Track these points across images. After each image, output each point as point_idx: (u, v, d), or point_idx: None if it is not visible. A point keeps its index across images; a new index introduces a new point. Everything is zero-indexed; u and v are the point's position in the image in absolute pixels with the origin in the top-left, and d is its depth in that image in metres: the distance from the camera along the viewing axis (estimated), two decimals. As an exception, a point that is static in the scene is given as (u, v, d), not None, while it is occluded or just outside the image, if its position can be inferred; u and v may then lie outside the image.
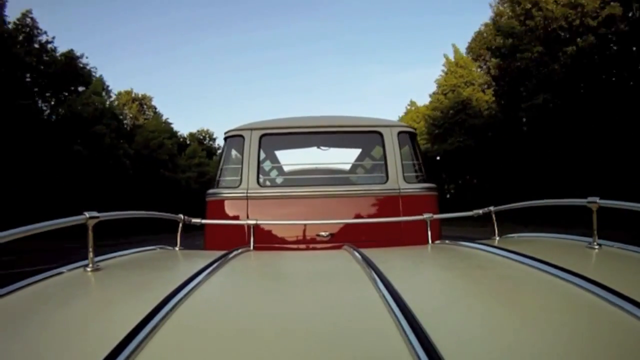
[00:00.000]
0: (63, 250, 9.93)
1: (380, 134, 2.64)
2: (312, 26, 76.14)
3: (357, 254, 1.27)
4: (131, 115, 36.10)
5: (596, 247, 1.23)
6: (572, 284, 0.87)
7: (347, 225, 2.45)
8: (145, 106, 39.62)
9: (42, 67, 22.52)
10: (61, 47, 23.99)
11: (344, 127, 2.82)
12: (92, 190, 21.04)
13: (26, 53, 21.15)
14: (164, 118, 37.62)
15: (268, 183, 2.97)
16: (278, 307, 0.89)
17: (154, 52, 67.18)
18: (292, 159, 3.55)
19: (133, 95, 38.32)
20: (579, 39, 18.68)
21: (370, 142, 3.03)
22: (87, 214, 1.12)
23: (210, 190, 2.66)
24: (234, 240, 2.12)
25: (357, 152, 3.42)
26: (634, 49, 17.92)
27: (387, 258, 1.39)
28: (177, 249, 1.83)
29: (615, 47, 18.52)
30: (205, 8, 70.58)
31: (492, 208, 1.91)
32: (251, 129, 2.65)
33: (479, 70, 29.28)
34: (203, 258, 1.46)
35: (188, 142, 43.33)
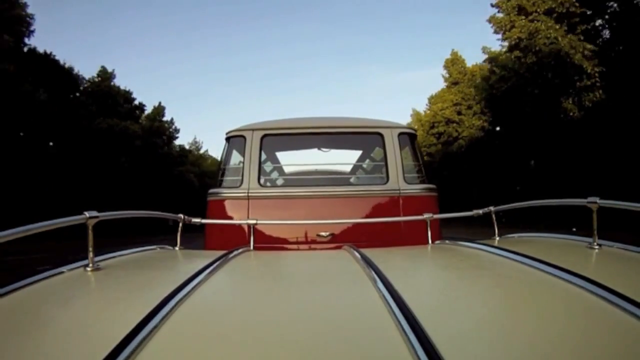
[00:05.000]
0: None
1: (381, 135, 2.64)
2: (310, 27, 76.22)
3: (357, 254, 1.27)
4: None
5: (596, 247, 1.23)
6: (572, 284, 0.87)
7: (347, 225, 2.45)
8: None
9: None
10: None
11: (345, 128, 2.82)
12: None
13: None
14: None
15: (269, 183, 2.97)
16: (278, 307, 0.89)
17: (151, 51, 66.93)
18: (293, 159, 3.55)
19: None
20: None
21: (371, 143, 3.03)
22: (87, 214, 1.12)
23: (212, 190, 2.66)
24: (234, 240, 2.12)
25: (357, 153, 3.43)
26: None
27: (387, 258, 1.39)
28: (177, 248, 1.83)
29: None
30: (202, 9, 70.67)
31: (492, 208, 1.91)
32: (252, 130, 2.65)
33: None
34: (203, 258, 1.46)
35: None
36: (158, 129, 32.59)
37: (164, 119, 34.56)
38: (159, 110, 34.16)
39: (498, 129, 25.71)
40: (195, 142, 45.37)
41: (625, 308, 0.74)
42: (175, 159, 33.18)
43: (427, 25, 67.63)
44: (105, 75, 29.89)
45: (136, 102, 32.26)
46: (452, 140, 32.34)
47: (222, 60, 73.62)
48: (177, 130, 35.82)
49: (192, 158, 40.48)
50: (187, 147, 41.87)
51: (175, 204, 27.10)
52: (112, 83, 30.00)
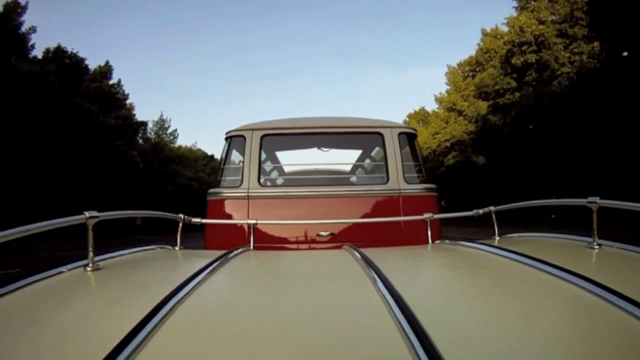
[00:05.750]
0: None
1: (381, 135, 2.65)
2: (309, 27, 76.16)
3: (357, 253, 1.27)
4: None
5: (596, 247, 1.23)
6: (572, 284, 0.87)
7: (347, 225, 2.45)
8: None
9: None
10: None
11: (345, 127, 2.82)
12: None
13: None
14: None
15: (269, 183, 2.98)
16: (278, 306, 0.89)
17: (146, 52, 66.52)
18: (293, 159, 3.55)
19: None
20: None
21: (371, 143, 3.04)
22: (87, 214, 1.12)
23: (212, 190, 2.66)
24: (234, 239, 2.12)
25: (357, 152, 3.43)
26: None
27: (387, 258, 1.39)
28: (177, 248, 1.83)
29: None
30: (201, 7, 70.60)
31: (492, 208, 1.91)
32: (252, 129, 2.66)
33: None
34: (203, 258, 1.47)
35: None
36: (95, 91, 23.97)
37: (112, 82, 26.72)
38: (105, 70, 26.28)
39: (626, 54, 15.35)
40: (162, 120, 36.42)
41: (625, 308, 0.74)
42: (114, 130, 24.09)
43: (427, 24, 67.65)
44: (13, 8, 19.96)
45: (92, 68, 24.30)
46: (546, 79, 19.25)
47: (221, 59, 73.58)
48: (125, 96, 27.84)
49: (154, 140, 32.50)
50: (150, 124, 32.53)
51: (98, 186, 21.48)
52: (20, 19, 20.25)
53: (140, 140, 30.47)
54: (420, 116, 34.75)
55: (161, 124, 36.83)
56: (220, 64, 73.95)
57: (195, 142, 57.43)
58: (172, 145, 36.63)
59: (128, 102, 28.47)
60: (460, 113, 26.76)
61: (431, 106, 33.88)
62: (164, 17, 68.11)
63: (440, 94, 29.46)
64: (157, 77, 68.33)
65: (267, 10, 74.93)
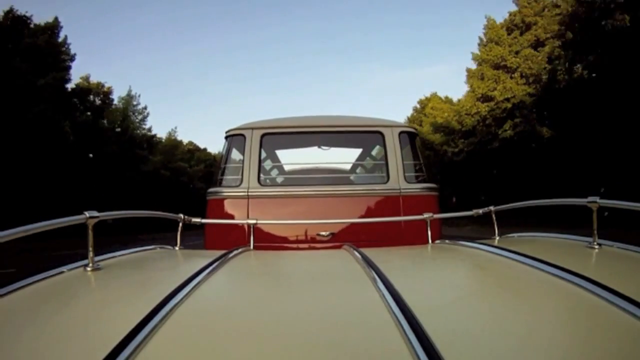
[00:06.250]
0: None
1: (382, 134, 2.65)
2: (309, 26, 75.97)
3: (357, 253, 1.27)
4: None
5: (596, 247, 1.23)
6: (572, 283, 0.87)
7: (347, 224, 2.45)
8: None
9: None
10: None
11: (345, 126, 2.82)
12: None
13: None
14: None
15: (269, 182, 2.98)
16: (278, 306, 0.89)
17: (143, 51, 66.11)
18: (293, 158, 3.55)
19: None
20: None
21: (371, 142, 3.04)
22: (87, 214, 1.12)
23: (211, 189, 2.66)
24: (234, 239, 2.12)
25: (358, 151, 3.42)
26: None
27: (387, 258, 1.39)
28: (177, 248, 1.83)
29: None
30: (200, 5, 70.40)
31: (492, 208, 1.91)
32: (252, 128, 2.66)
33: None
34: (203, 258, 1.47)
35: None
36: (29, 48, 19.47)
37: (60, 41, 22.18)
38: (52, 27, 22.15)
39: None
40: (130, 96, 29.08)
41: (625, 308, 0.74)
42: (41, 94, 18.92)
43: (426, 23, 67.54)
44: None
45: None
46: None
47: (220, 57, 73.42)
48: (70, 57, 22.94)
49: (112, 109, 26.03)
50: (115, 100, 26.93)
51: (17, 164, 16.68)
52: None
53: (106, 122, 25.71)
54: (437, 98, 31.08)
55: (128, 99, 29.64)
56: (219, 62, 73.91)
57: (175, 127, 53.07)
58: (140, 125, 30.55)
59: (107, 85, 25.22)
60: (511, 71, 21.43)
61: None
62: (164, 16, 68.00)
63: (480, 48, 23.08)
64: (157, 75, 68.16)
65: (267, 9, 74.90)
